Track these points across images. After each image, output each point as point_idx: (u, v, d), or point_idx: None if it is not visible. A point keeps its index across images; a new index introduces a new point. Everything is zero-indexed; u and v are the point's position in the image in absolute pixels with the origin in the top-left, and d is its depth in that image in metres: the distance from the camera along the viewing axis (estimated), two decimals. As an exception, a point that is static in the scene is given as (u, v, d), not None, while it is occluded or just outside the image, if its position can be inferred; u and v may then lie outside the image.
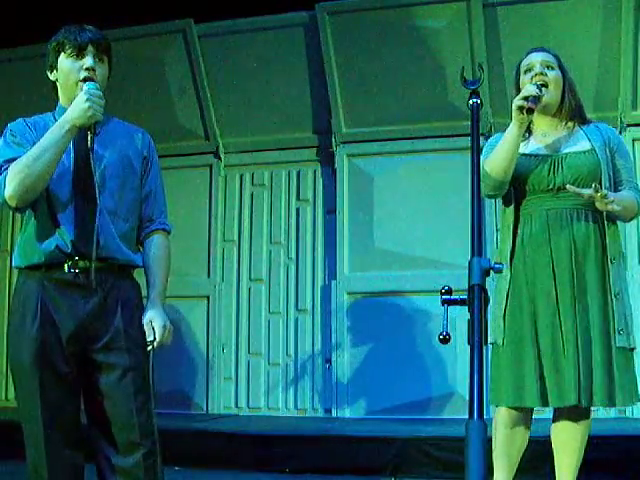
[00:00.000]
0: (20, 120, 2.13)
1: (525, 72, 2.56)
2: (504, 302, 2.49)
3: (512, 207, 2.55)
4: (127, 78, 4.55)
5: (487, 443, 1.40)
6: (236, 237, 5.33)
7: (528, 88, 2.41)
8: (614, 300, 2.42)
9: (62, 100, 2.14)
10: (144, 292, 2.19)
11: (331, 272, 5.08)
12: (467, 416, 1.40)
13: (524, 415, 2.49)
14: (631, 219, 2.57)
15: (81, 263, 2.03)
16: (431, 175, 4.93)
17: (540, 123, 2.59)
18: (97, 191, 2.05)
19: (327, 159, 5.20)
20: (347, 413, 4.86)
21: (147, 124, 2.55)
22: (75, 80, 2.07)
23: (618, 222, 2.55)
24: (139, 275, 2.22)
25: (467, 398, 1.43)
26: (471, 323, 1.48)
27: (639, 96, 4.65)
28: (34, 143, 2.01)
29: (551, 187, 2.49)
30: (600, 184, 2.41)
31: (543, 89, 2.46)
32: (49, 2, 4.50)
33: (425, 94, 4.86)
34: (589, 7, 4.52)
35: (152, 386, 2.08)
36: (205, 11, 4.88)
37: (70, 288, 2.04)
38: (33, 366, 2.00)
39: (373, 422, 4.59)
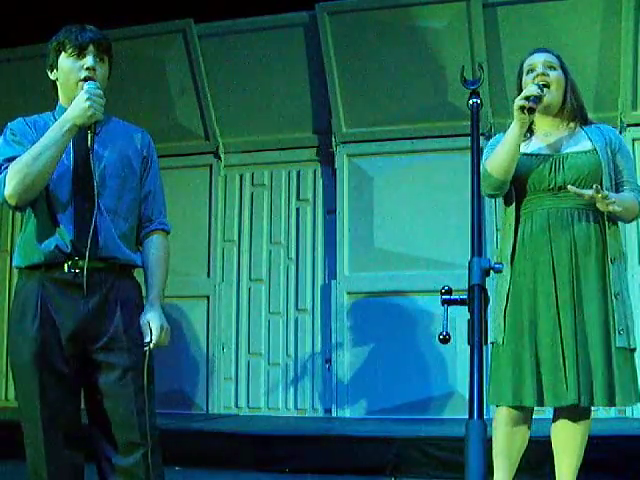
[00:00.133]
0: (20, 119, 2.14)
1: (527, 72, 2.57)
2: (504, 301, 2.49)
3: (513, 206, 2.55)
4: (127, 78, 4.55)
5: (487, 443, 1.40)
6: (236, 237, 5.33)
7: (530, 88, 2.42)
8: (614, 300, 2.42)
9: (62, 100, 2.15)
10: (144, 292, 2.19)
11: (331, 272, 5.08)
12: (467, 416, 1.40)
13: (524, 415, 2.49)
14: (632, 220, 2.57)
15: (81, 263, 2.03)
16: (431, 175, 4.93)
17: (542, 123, 2.59)
18: (97, 191, 2.05)
19: (327, 159, 5.20)
20: (347, 413, 4.87)
21: (147, 124, 2.55)
22: (75, 80, 2.07)
23: (619, 222, 2.55)
24: (139, 275, 2.22)
25: (467, 398, 1.43)
26: (471, 323, 1.48)
27: (639, 96, 4.65)
28: (34, 142, 2.01)
29: (552, 187, 2.49)
30: (601, 184, 2.41)
31: (545, 89, 2.47)
32: (49, 2, 4.50)
33: (425, 94, 4.86)
34: (589, 7, 4.52)
35: (152, 386, 2.08)
36: (205, 11, 4.88)
37: (70, 288, 2.04)
38: (33, 366, 2.00)
39: (373, 422, 4.60)
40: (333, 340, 4.95)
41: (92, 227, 2.02)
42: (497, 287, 2.54)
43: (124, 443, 2.05)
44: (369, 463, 3.73)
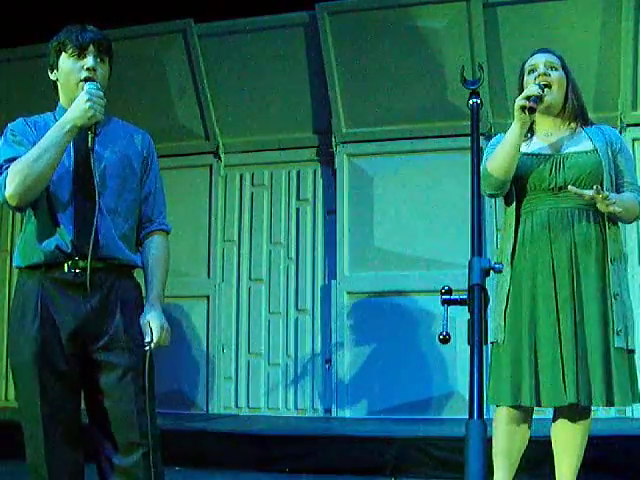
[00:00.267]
0: (20, 120, 2.14)
1: (529, 72, 2.57)
2: (505, 301, 2.49)
3: (513, 206, 2.55)
4: (127, 78, 4.55)
5: (487, 443, 1.40)
6: (236, 237, 5.33)
7: (530, 88, 2.42)
8: (613, 301, 2.42)
9: (62, 100, 2.15)
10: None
11: (331, 272, 5.08)
12: (467, 416, 1.41)
13: (524, 415, 2.49)
14: (632, 221, 2.58)
15: (81, 263, 2.03)
16: (431, 175, 4.93)
17: (543, 123, 2.59)
18: (97, 191, 2.05)
19: (327, 159, 5.20)
20: (347, 413, 4.86)
21: (147, 124, 2.55)
22: (76, 80, 2.07)
23: (619, 223, 2.55)
24: (139, 275, 2.22)
25: (467, 398, 1.43)
26: (471, 323, 1.48)
27: (639, 96, 4.65)
28: (34, 143, 2.02)
29: (552, 186, 2.49)
30: (601, 185, 2.41)
31: (546, 89, 2.47)
32: (49, 2, 4.50)
33: (425, 94, 4.86)
34: (589, 7, 4.52)
35: (152, 386, 2.08)
36: (205, 11, 4.88)
37: (70, 288, 2.04)
38: (33, 366, 2.00)
39: (373, 422, 4.60)
40: (333, 340, 4.95)
41: (94, 227, 2.02)
42: (497, 287, 2.54)
43: (124, 443, 2.05)
44: (369, 463, 3.73)
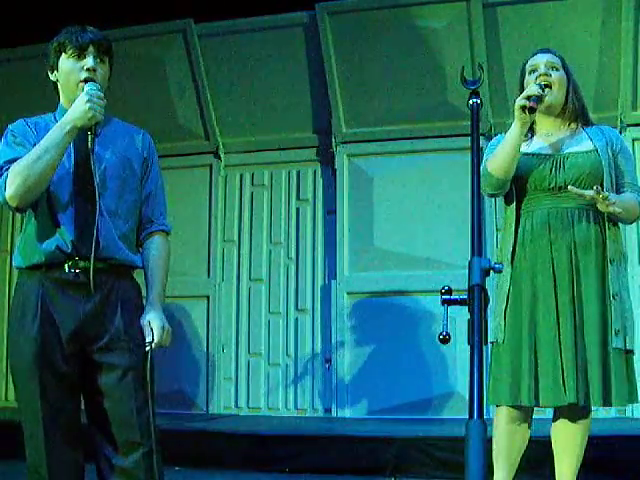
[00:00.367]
0: (21, 121, 2.13)
1: (530, 73, 2.57)
2: (505, 301, 2.49)
3: (513, 206, 2.55)
4: (127, 78, 4.55)
5: (487, 443, 1.40)
6: (236, 237, 5.33)
7: (531, 88, 2.42)
8: (612, 301, 2.42)
9: (63, 100, 2.15)
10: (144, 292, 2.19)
11: (331, 272, 5.09)
12: (467, 416, 1.41)
13: (524, 414, 2.49)
14: (633, 221, 2.57)
15: (81, 263, 2.03)
16: (431, 175, 4.93)
17: (543, 123, 2.59)
18: (97, 192, 2.05)
19: (327, 159, 5.20)
20: (347, 413, 4.87)
21: (147, 124, 2.55)
22: (76, 81, 2.07)
23: (620, 223, 2.55)
24: (139, 276, 2.22)
25: (467, 398, 1.43)
26: (471, 323, 1.48)
27: (639, 96, 4.65)
28: (35, 144, 2.02)
29: (552, 186, 2.49)
30: (601, 185, 2.42)
31: (546, 90, 2.47)
32: (49, 2, 4.50)
33: (425, 94, 4.86)
34: (589, 7, 4.52)
35: (152, 386, 2.08)
36: (205, 11, 4.88)
37: (70, 288, 2.04)
38: (33, 366, 2.00)
39: (373, 422, 4.60)
40: (333, 340, 4.95)
41: (95, 228, 2.02)
42: (498, 286, 2.54)
43: (124, 443, 2.05)
44: (369, 463, 3.73)
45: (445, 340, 1.54)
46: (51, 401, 2.01)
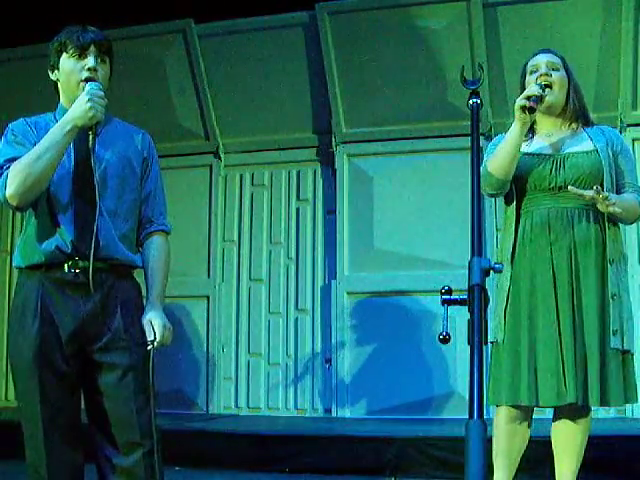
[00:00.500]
0: (21, 120, 2.13)
1: (531, 73, 2.58)
2: (505, 300, 2.49)
3: (513, 205, 2.55)
4: (127, 78, 4.54)
5: (487, 443, 1.40)
6: (236, 237, 5.34)
7: (531, 88, 2.43)
8: (610, 301, 2.42)
9: (63, 100, 2.14)
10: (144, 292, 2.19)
11: (331, 272, 5.09)
12: (467, 416, 1.41)
13: (524, 414, 2.49)
14: (633, 222, 2.57)
15: (81, 263, 2.03)
16: (431, 175, 4.93)
17: (544, 123, 2.60)
18: (97, 192, 2.05)
19: (327, 159, 5.20)
20: (347, 413, 4.87)
21: (147, 124, 2.55)
22: (77, 80, 2.07)
23: (620, 223, 2.55)
24: (139, 275, 2.22)
25: (467, 398, 1.43)
26: (471, 323, 1.48)
27: (639, 96, 4.65)
28: (35, 143, 2.02)
29: (552, 186, 2.49)
30: (602, 185, 2.42)
31: (547, 90, 2.47)
32: (49, 2, 4.50)
33: (425, 94, 4.86)
34: (589, 7, 4.52)
35: (153, 386, 2.08)
36: (205, 11, 4.88)
37: (70, 288, 2.04)
38: (33, 366, 2.00)
39: (373, 422, 4.60)
40: (333, 340, 4.95)
41: (95, 228, 2.02)
42: (498, 286, 2.54)
43: (124, 443, 2.05)
44: (369, 463, 3.73)
45: (445, 340, 1.54)
46: (51, 401, 2.01)
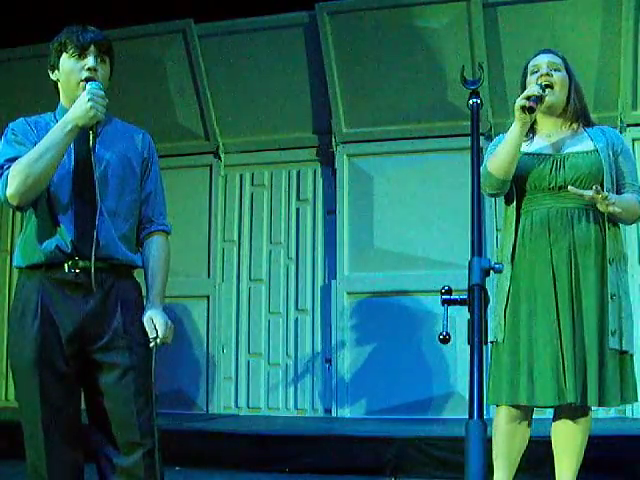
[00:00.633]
0: (21, 119, 2.13)
1: (532, 73, 2.58)
2: (505, 300, 2.49)
3: (513, 205, 2.55)
4: (127, 78, 4.54)
5: (487, 443, 1.40)
6: (236, 237, 5.34)
7: (531, 88, 2.43)
8: (609, 301, 2.42)
9: (63, 100, 2.14)
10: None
11: (331, 272, 5.09)
12: (467, 416, 1.41)
13: (524, 414, 2.49)
14: (633, 222, 2.57)
15: (81, 263, 2.03)
16: (431, 175, 4.93)
17: (544, 124, 2.60)
18: (97, 191, 2.05)
19: (327, 159, 5.20)
20: (347, 413, 4.87)
21: (147, 124, 2.55)
22: (77, 80, 2.07)
23: (620, 223, 2.54)
24: (139, 275, 2.22)
25: (467, 398, 1.43)
26: (471, 323, 1.48)
27: (639, 96, 4.65)
28: (35, 143, 2.02)
29: (552, 186, 2.49)
30: (602, 185, 2.42)
31: (547, 90, 2.47)
32: (49, 2, 4.50)
33: (425, 94, 4.86)
34: (589, 7, 4.52)
35: (153, 385, 2.08)
36: (205, 11, 4.89)
37: (70, 288, 2.04)
38: (33, 366, 2.00)
39: (373, 422, 4.60)
40: (333, 340, 4.95)
41: (95, 228, 2.02)
42: (498, 286, 2.54)
43: (124, 443, 2.05)
44: (369, 463, 3.73)
45: (445, 340, 1.54)
46: (51, 401, 2.01)
